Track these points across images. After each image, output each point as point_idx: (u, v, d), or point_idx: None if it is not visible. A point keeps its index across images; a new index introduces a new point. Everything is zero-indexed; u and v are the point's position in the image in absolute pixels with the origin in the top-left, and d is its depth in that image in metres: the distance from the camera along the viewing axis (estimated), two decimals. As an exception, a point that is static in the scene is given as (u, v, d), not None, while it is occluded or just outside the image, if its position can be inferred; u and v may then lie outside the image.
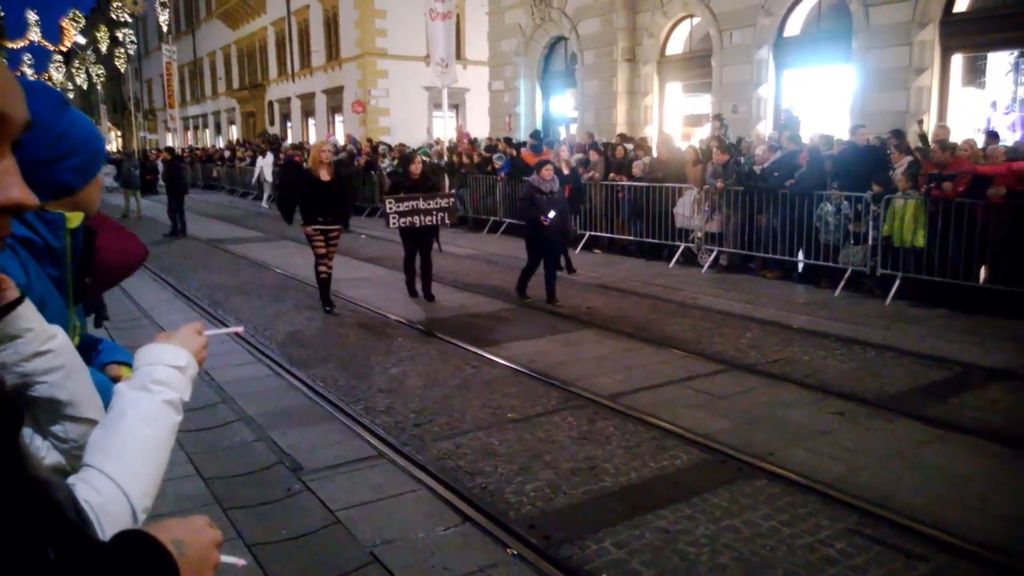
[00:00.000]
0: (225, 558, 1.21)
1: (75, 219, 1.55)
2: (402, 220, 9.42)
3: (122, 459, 1.23)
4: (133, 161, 23.38)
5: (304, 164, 9.15)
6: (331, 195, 8.91)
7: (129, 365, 1.68)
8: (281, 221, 9.76)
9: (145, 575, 0.97)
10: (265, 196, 23.49)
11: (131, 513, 1.20)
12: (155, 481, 1.29)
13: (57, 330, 1.33)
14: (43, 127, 1.46)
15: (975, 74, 13.09)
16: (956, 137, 10.44)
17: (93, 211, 1.63)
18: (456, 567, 3.61)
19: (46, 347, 1.29)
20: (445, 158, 17.50)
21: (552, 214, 9.11)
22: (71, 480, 1.20)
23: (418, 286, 9.83)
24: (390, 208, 9.43)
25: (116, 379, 1.59)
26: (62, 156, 1.50)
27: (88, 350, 1.69)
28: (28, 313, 1.26)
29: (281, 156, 24.30)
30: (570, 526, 4.04)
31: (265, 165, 23.96)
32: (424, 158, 10.56)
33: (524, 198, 9.48)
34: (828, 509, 4.19)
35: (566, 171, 11.79)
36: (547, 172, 9.28)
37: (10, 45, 44.15)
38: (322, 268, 8.98)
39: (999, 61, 12.88)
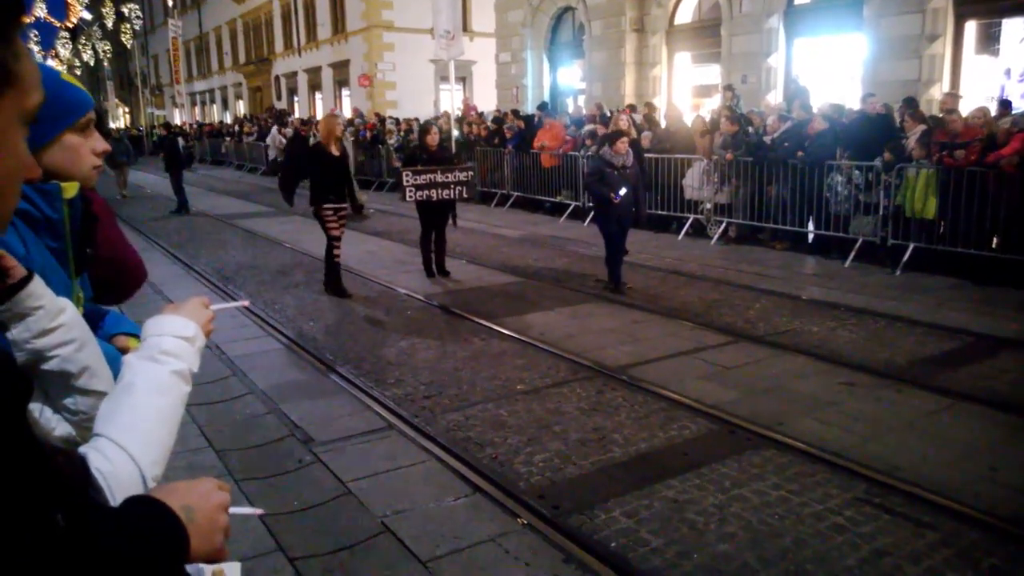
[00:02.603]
0: (239, 510, 1.22)
1: (71, 189, 1.53)
2: (419, 193, 9.15)
3: (132, 428, 1.24)
4: (121, 136, 22.61)
5: (313, 138, 8.60)
6: (342, 172, 8.56)
7: (135, 336, 1.68)
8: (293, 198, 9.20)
9: (155, 541, 0.98)
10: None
11: (141, 481, 1.21)
12: (165, 450, 1.30)
13: (66, 304, 1.33)
14: None
15: (989, 41, 12.88)
16: (969, 105, 10.31)
17: (67, 175, 1.57)
18: (466, 537, 3.64)
19: (56, 323, 1.29)
20: (455, 131, 17.40)
21: (623, 191, 8.37)
22: (82, 450, 1.21)
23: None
24: (407, 181, 9.14)
25: (123, 350, 1.60)
26: None
27: (94, 321, 1.69)
28: (38, 290, 1.26)
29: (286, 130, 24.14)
30: (579, 496, 4.07)
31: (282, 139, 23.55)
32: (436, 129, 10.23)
33: (592, 173, 8.82)
34: (837, 478, 4.21)
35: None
36: (621, 145, 8.45)
37: (16, 21, 44.06)
38: (337, 252, 8.62)
39: (1013, 28, 12.66)
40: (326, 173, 8.44)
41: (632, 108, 15.23)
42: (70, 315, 1.33)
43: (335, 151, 8.48)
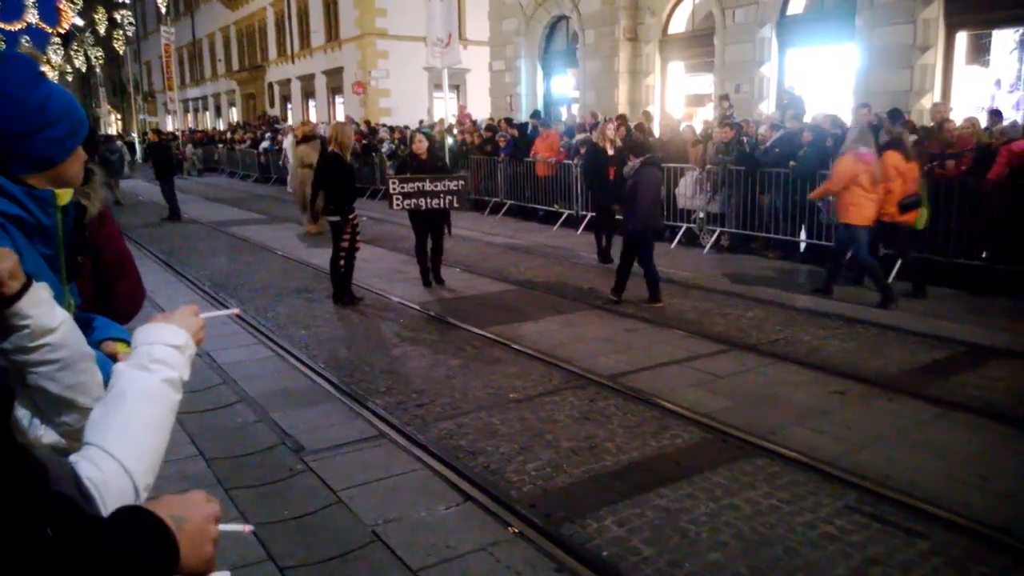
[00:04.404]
0: (228, 527, 1.21)
1: (64, 196, 1.54)
2: (407, 202, 9.05)
3: (123, 437, 1.24)
4: (112, 146, 22.56)
5: (329, 148, 8.42)
6: (354, 180, 8.70)
7: (123, 341, 1.68)
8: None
9: (145, 550, 0.98)
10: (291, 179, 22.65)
11: (133, 490, 1.21)
12: (157, 458, 1.29)
13: (58, 323, 1.32)
14: (20, 99, 1.45)
15: (979, 52, 12.97)
16: (959, 116, 10.38)
17: (76, 184, 1.62)
18: (458, 545, 3.63)
19: (38, 343, 1.29)
20: (449, 140, 17.41)
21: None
22: (73, 458, 1.21)
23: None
24: (393, 189, 9.07)
25: (112, 355, 1.60)
26: (41, 127, 1.49)
27: (82, 327, 1.69)
28: (26, 309, 1.26)
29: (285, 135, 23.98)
30: (571, 504, 4.06)
31: (288, 147, 23.31)
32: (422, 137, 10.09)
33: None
34: (828, 487, 4.21)
35: (611, 151, 10.67)
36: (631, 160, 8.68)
37: (7, 27, 43.87)
38: (343, 262, 8.53)
39: (1004, 39, 12.75)
40: (348, 182, 8.49)
41: (622, 118, 15.25)
42: (58, 336, 1.33)
43: (348, 158, 8.56)
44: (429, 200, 9.10)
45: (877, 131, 10.57)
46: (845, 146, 8.62)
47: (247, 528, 1.33)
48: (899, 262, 9.34)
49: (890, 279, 9.26)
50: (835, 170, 8.54)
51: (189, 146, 31.95)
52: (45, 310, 1.31)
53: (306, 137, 13.94)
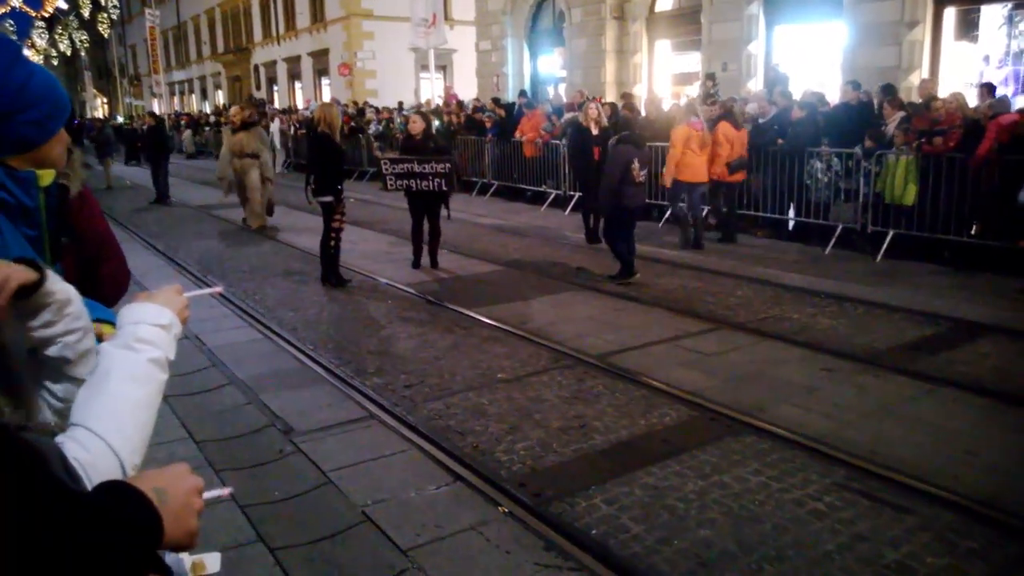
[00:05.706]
0: (208, 494, 1.21)
1: (47, 176, 1.52)
2: (399, 182, 9.05)
3: (110, 417, 1.23)
4: (105, 129, 22.44)
5: (318, 128, 8.31)
6: (344, 159, 8.79)
7: (109, 323, 1.67)
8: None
9: (128, 524, 0.97)
10: (280, 162, 22.60)
11: (121, 470, 1.20)
12: (144, 438, 1.29)
13: (72, 293, 1.32)
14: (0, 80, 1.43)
15: (968, 27, 12.96)
16: (949, 92, 10.38)
17: (59, 166, 1.60)
18: (447, 525, 3.64)
19: (67, 311, 1.29)
20: (436, 122, 17.29)
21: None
22: (59, 439, 1.19)
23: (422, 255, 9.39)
24: (386, 169, 9.10)
25: (98, 337, 1.58)
26: (20, 109, 1.46)
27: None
28: (51, 285, 1.26)
29: (281, 119, 23.83)
30: (560, 483, 4.08)
31: (275, 131, 23.18)
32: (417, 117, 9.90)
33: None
34: (816, 464, 4.24)
35: (595, 131, 10.44)
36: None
37: (-8, 12, 43.29)
38: (334, 243, 8.49)
39: (992, 14, 12.75)
40: (340, 162, 8.63)
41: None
42: (79, 303, 1.32)
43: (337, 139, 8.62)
44: (419, 182, 9.02)
45: (867, 108, 10.61)
46: (678, 119, 10.22)
47: (226, 491, 1.33)
48: (890, 235, 9.42)
49: (878, 256, 9.32)
50: (672, 140, 10.00)
51: (188, 132, 31.69)
52: (61, 283, 1.30)
53: (245, 124, 12.71)
